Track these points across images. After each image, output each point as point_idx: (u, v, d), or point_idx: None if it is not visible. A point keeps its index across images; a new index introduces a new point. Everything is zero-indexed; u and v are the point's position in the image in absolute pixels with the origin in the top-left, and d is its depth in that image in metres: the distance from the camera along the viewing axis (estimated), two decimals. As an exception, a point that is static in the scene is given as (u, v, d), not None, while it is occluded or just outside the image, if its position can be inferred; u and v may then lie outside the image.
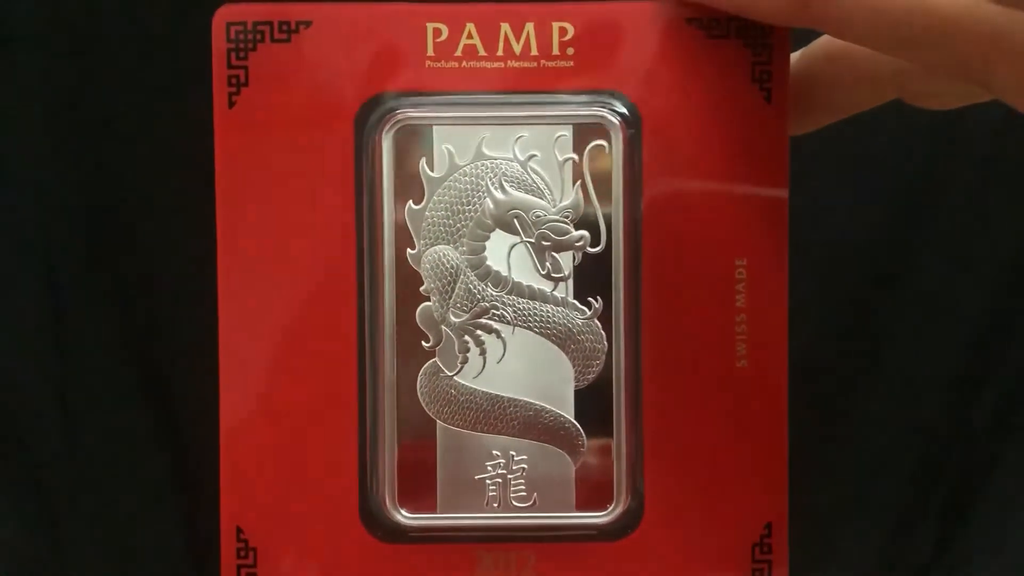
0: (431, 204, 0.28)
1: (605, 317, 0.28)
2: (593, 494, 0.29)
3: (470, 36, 0.28)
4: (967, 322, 0.46)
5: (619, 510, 0.29)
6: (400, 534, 0.29)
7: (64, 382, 0.45)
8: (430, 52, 0.28)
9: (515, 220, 0.28)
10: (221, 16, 0.28)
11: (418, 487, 0.29)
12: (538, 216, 0.28)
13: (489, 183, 0.28)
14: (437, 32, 0.28)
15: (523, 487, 0.29)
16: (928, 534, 0.47)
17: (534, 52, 0.28)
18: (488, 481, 0.29)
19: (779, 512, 0.29)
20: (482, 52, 0.28)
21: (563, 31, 0.28)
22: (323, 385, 0.29)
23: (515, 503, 0.29)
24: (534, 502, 0.29)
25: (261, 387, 0.28)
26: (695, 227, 0.29)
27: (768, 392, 0.29)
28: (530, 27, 0.28)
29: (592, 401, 0.29)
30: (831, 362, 0.46)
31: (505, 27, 0.28)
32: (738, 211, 0.28)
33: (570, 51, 0.28)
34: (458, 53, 0.28)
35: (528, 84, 0.28)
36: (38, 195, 0.45)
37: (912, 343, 0.46)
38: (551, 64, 0.28)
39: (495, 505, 0.29)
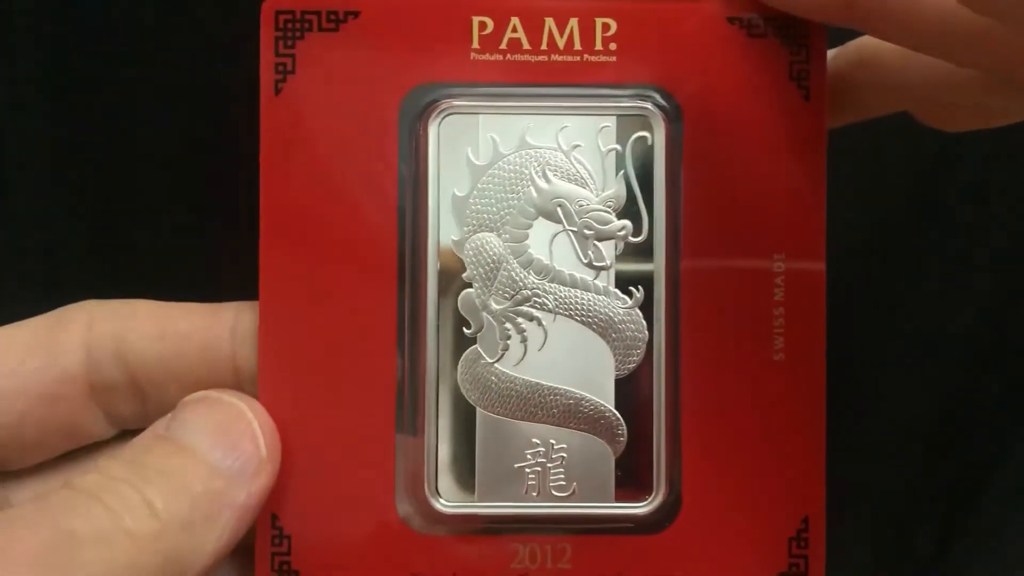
0: (475, 192, 0.29)
1: (646, 307, 0.29)
2: (632, 485, 0.29)
3: (515, 30, 0.29)
4: (968, 319, 0.46)
5: (657, 501, 0.29)
6: (437, 523, 0.28)
7: None
8: (475, 44, 0.29)
9: (558, 209, 0.29)
10: (270, 5, 0.29)
11: (457, 475, 0.28)
12: (581, 205, 0.29)
13: (533, 172, 0.29)
14: (483, 25, 0.29)
15: (562, 476, 0.28)
16: (930, 531, 0.47)
17: (577, 47, 0.29)
18: (527, 470, 0.28)
19: (817, 506, 0.29)
20: (526, 46, 0.29)
21: (606, 27, 0.29)
22: (362, 372, 0.28)
23: (554, 492, 0.28)
24: (573, 491, 0.28)
25: (299, 376, 0.28)
26: (734, 220, 0.29)
27: (805, 386, 0.29)
28: (574, 22, 0.29)
29: (632, 391, 0.29)
30: (828, 360, 0.47)
31: (549, 22, 0.29)
32: (777, 206, 0.29)
33: (612, 47, 0.29)
34: (503, 46, 0.29)
35: (571, 78, 0.29)
36: (40, 195, 0.45)
37: (912, 340, 0.46)
38: (594, 59, 0.29)
39: (534, 494, 0.28)
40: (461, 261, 0.29)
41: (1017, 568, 0.47)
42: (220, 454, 0.26)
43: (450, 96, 0.29)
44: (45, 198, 0.45)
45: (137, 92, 0.44)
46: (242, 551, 0.29)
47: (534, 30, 0.29)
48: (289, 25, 0.29)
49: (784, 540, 0.29)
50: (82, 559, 0.23)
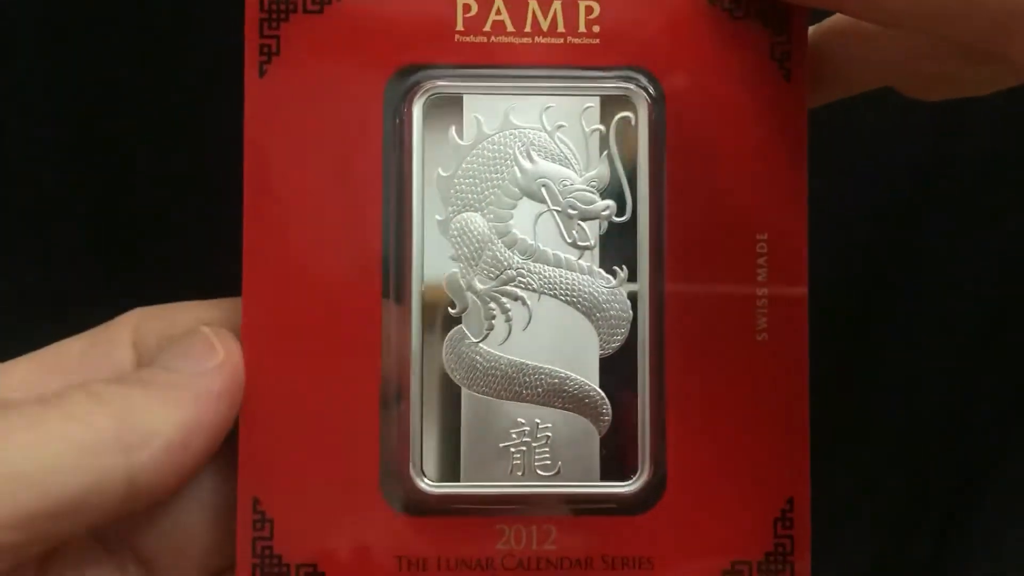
0: (459, 172, 0.29)
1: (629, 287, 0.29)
2: (617, 464, 0.29)
3: (499, 12, 0.29)
4: (967, 318, 0.46)
5: (642, 481, 0.29)
6: (422, 503, 0.28)
7: None
8: (459, 27, 0.29)
9: (542, 189, 0.29)
10: None
11: (442, 455, 0.28)
12: (565, 185, 0.29)
13: (517, 152, 0.29)
14: (467, 7, 0.29)
15: (548, 456, 0.28)
16: (928, 534, 0.47)
17: (561, 29, 0.29)
18: (513, 449, 0.28)
19: (801, 487, 0.29)
20: (510, 28, 0.29)
21: (589, 9, 0.29)
22: (346, 353, 0.28)
23: (539, 472, 0.28)
24: (558, 471, 0.28)
25: (282, 358, 0.28)
26: (717, 201, 0.29)
27: (788, 367, 0.29)
28: (557, 5, 0.29)
29: (616, 370, 0.29)
30: (827, 359, 0.47)
31: (533, 4, 0.29)
32: (759, 186, 0.29)
33: (596, 29, 0.29)
34: (487, 28, 0.29)
35: (555, 60, 0.29)
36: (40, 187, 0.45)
37: (912, 339, 0.46)
38: (577, 41, 0.29)
39: (519, 474, 0.28)
40: (446, 241, 0.29)
41: (1017, 569, 0.47)
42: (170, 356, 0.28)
43: (435, 77, 0.29)
44: (45, 198, 0.45)
45: (138, 92, 0.45)
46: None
47: (518, 12, 0.29)
48: (274, 7, 0.29)
49: (770, 520, 0.29)
50: None
